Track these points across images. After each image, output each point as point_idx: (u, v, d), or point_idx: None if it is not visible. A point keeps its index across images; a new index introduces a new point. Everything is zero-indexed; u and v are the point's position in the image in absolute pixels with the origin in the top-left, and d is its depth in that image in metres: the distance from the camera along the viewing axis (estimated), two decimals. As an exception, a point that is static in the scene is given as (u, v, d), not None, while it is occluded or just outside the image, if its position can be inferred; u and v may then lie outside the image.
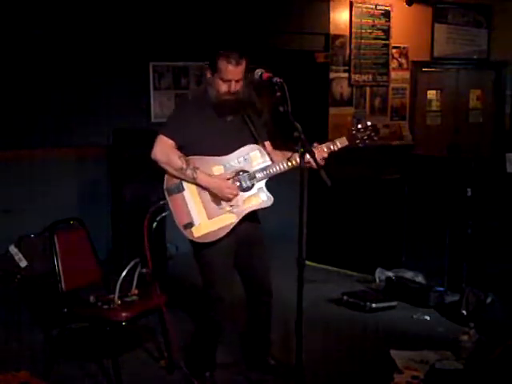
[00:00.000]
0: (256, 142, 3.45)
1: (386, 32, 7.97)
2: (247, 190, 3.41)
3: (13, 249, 5.29)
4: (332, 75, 7.64)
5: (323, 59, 7.54)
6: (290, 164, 3.37)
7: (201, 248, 3.44)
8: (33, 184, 5.94)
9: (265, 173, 3.40)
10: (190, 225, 3.36)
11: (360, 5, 7.69)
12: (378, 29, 7.91)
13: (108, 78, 6.26)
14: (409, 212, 5.76)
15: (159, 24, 6.41)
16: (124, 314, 3.59)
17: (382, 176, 6.12)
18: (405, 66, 8.26)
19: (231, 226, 3.38)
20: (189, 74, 6.78)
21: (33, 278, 5.21)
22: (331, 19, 7.52)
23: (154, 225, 3.51)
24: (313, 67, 7.51)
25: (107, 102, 6.28)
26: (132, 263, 3.70)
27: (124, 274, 3.61)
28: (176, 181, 3.38)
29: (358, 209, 6.15)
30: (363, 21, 7.75)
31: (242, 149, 3.41)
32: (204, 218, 3.36)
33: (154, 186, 6.22)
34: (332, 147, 3.43)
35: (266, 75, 3.29)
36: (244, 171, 3.41)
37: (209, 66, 3.41)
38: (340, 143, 3.44)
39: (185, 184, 3.37)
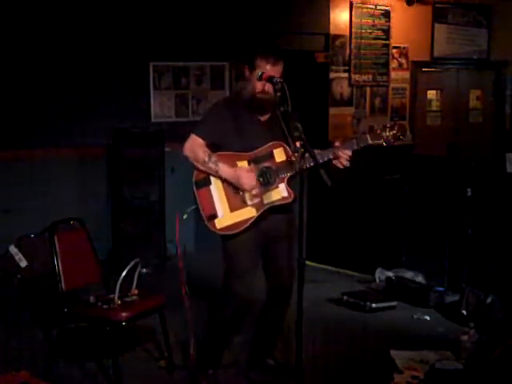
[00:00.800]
0: (287, 143, 3.45)
1: (386, 32, 7.97)
2: (269, 186, 3.44)
3: (13, 249, 5.29)
4: (332, 75, 7.64)
5: (323, 59, 7.55)
6: (312, 163, 3.29)
7: (227, 240, 3.51)
8: (33, 184, 5.94)
9: (287, 170, 3.43)
10: (213, 217, 3.45)
11: (360, 5, 7.69)
12: (378, 29, 7.91)
13: (108, 78, 6.26)
14: (409, 212, 5.76)
15: (159, 24, 6.41)
16: (124, 314, 3.59)
17: (382, 176, 6.12)
18: (405, 66, 8.26)
19: (251, 220, 3.43)
20: (189, 74, 6.78)
21: (33, 278, 5.20)
22: (331, 19, 7.52)
23: (185, 216, 3.54)
24: (313, 67, 7.51)
25: (107, 102, 6.28)
26: (132, 263, 3.70)
27: (124, 273, 3.61)
28: (203, 175, 3.49)
29: (358, 209, 6.15)
30: (363, 21, 7.75)
31: (266, 145, 3.46)
32: (226, 210, 3.45)
33: (153, 185, 6.29)
34: (355, 146, 3.41)
35: (266, 75, 3.30)
36: (267, 167, 3.45)
37: (247, 64, 3.46)
38: (362, 142, 3.41)
39: (212, 178, 3.48)
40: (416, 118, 8.51)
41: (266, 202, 3.44)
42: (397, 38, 8.06)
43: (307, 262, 3.96)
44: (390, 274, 5.53)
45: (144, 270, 5.18)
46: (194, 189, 3.51)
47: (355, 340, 4.44)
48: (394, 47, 8.09)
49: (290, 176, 3.44)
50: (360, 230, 6.09)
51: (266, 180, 3.44)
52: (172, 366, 3.89)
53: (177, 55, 6.65)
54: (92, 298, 3.73)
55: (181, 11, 6.51)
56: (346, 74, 7.73)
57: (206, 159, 3.42)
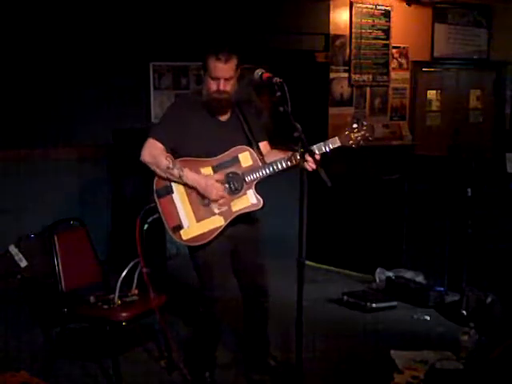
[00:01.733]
0: (250, 143, 3.40)
1: (386, 32, 7.96)
2: (236, 193, 3.35)
3: (13, 249, 5.29)
4: (332, 75, 7.63)
5: (323, 59, 7.54)
6: (281, 166, 3.30)
7: (194, 250, 3.43)
8: (33, 184, 5.94)
9: (254, 175, 3.35)
10: (178, 227, 3.34)
11: (360, 5, 7.69)
12: (378, 29, 7.90)
13: (108, 78, 6.26)
14: (409, 212, 5.76)
15: (159, 24, 6.40)
16: (124, 314, 3.59)
17: (382, 176, 6.12)
18: (405, 66, 8.25)
19: (219, 229, 3.35)
20: (189, 74, 6.78)
21: (33, 278, 5.21)
22: (331, 19, 7.51)
23: (145, 227, 3.49)
24: (313, 67, 7.51)
25: (107, 102, 6.28)
26: (132, 263, 3.70)
27: (124, 274, 3.62)
28: (165, 183, 3.35)
29: (358, 209, 6.15)
30: (363, 21, 7.74)
31: (231, 150, 3.37)
32: (192, 220, 3.33)
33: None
34: (324, 148, 3.32)
35: (265, 75, 3.26)
36: (233, 173, 3.35)
37: (202, 65, 3.40)
38: (332, 144, 3.33)
39: (174, 186, 3.34)
40: (416, 118, 8.50)
41: (234, 209, 3.35)
42: (397, 38, 8.05)
43: (307, 262, 3.96)
44: (390, 273, 5.53)
45: (144, 269, 5.17)
46: (155, 198, 3.36)
47: (355, 340, 4.44)
48: (394, 47, 8.08)
49: (258, 181, 3.36)
50: (360, 229, 6.09)
51: (233, 187, 3.35)
52: (172, 366, 3.89)
53: (177, 55, 6.64)
54: (92, 298, 3.73)
55: (180, 11, 6.50)
56: (346, 74, 7.73)
57: (170, 165, 3.28)
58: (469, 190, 5.26)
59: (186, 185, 3.32)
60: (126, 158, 6.14)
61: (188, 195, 3.34)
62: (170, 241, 6.11)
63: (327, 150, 3.33)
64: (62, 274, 3.70)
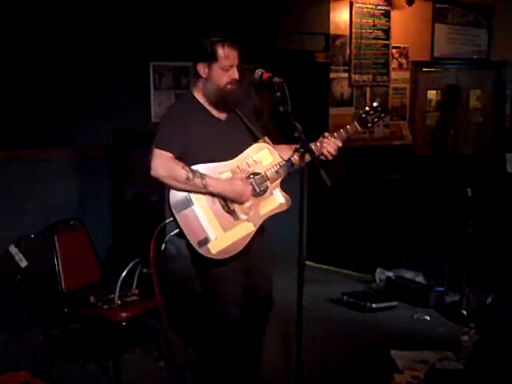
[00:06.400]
0: (256, 139, 3.23)
1: (386, 32, 7.97)
2: (262, 194, 3.12)
3: (13, 249, 5.28)
4: (332, 75, 7.64)
5: (323, 59, 7.55)
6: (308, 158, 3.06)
7: (215, 266, 3.08)
8: (33, 184, 5.94)
9: (278, 172, 3.15)
10: (205, 241, 2.99)
11: (360, 5, 7.69)
12: (378, 29, 7.90)
13: (108, 77, 6.25)
14: (409, 212, 5.76)
15: (159, 24, 6.41)
16: (124, 314, 3.59)
17: (383, 176, 6.12)
18: (405, 66, 8.25)
19: (250, 236, 3.07)
20: (189, 74, 6.77)
21: (33, 278, 5.21)
22: (331, 19, 7.51)
23: (163, 246, 3.39)
24: (313, 67, 7.51)
25: (107, 101, 6.27)
26: (132, 263, 3.71)
27: (124, 274, 3.62)
28: (183, 195, 3.02)
29: (358, 209, 6.15)
30: (363, 21, 7.74)
31: (249, 149, 3.14)
32: (219, 231, 3.02)
33: (153, 186, 6.28)
34: (344, 134, 3.25)
35: (266, 75, 3.18)
36: (255, 174, 3.12)
37: (205, 60, 3.26)
38: (351, 129, 3.27)
39: (193, 197, 3.02)
40: (416, 118, 8.51)
41: (262, 213, 3.10)
42: (397, 38, 8.06)
43: (307, 262, 3.96)
44: (390, 274, 5.53)
45: (144, 270, 5.17)
46: (174, 212, 3.01)
47: (355, 340, 4.44)
48: (394, 47, 8.09)
49: (282, 178, 3.18)
50: (360, 229, 6.09)
51: (258, 188, 3.12)
52: (172, 366, 3.89)
53: (177, 55, 6.63)
54: (92, 298, 3.73)
55: (181, 11, 6.50)
56: (346, 74, 7.73)
57: (190, 175, 2.95)
58: (469, 190, 5.26)
59: (210, 194, 3.01)
60: (126, 158, 6.15)
61: (210, 205, 3.03)
62: (170, 242, 6.11)
63: (347, 135, 3.28)
64: (62, 274, 3.70)
